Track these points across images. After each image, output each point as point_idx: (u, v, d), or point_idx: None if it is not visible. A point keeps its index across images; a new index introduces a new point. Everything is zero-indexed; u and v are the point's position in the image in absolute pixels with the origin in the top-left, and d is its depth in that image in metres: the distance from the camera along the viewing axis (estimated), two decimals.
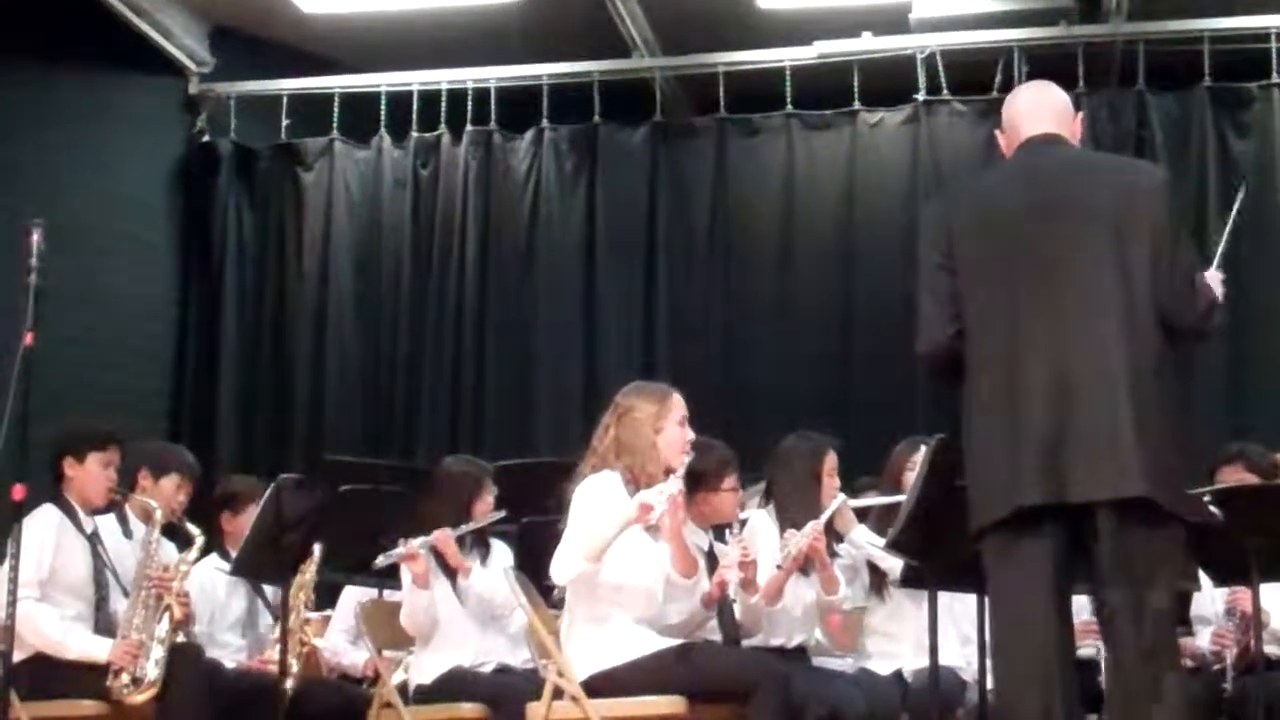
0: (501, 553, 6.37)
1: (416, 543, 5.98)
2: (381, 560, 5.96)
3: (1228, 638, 5.97)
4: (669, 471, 5.27)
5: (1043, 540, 3.99)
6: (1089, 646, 5.51)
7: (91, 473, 6.04)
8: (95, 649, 5.80)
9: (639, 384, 5.62)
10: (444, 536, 6.05)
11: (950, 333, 4.17)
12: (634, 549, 5.21)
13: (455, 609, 6.12)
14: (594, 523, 5.17)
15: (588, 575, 5.17)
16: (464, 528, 6.15)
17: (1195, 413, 8.41)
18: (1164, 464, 3.97)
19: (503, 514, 6.25)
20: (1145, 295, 4.03)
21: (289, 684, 6.07)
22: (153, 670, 5.76)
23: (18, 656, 5.55)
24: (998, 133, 4.49)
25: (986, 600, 4.92)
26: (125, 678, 5.74)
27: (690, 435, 5.39)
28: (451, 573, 6.13)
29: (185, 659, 5.85)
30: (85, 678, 5.76)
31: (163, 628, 5.86)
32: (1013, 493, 3.98)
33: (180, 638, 5.93)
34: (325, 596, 6.94)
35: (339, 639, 6.87)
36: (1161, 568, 3.98)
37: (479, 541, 6.30)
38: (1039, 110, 4.38)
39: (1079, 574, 4.08)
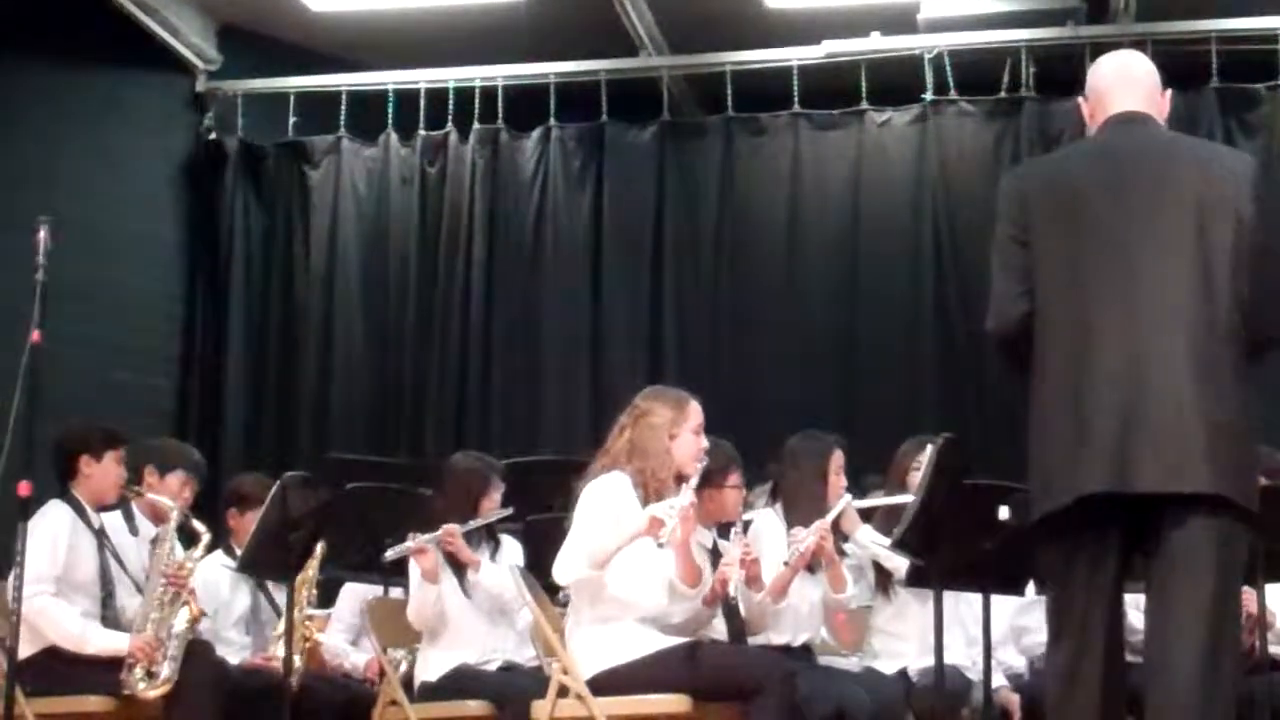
0: (511, 549, 6.38)
1: (426, 537, 5.99)
2: (391, 554, 5.97)
3: None
4: (680, 478, 5.27)
5: (1107, 530, 3.86)
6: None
7: (107, 469, 6.07)
8: (115, 643, 5.82)
9: (658, 388, 5.64)
10: (452, 531, 6.05)
11: (1022, 309, 4.02)
12: (639, 558, 5.20)
13: (462, 605, 6.12)
14: (601, 530, 5.16)
15: (591, 582, 5.17)
16: (471, 524, 6.16)
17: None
18: (1235, 458, 3.85)
19: (509, 511, 6.26)
20: (1224, 285, 3.88)
21: (294, 681, 6.07)
22: (167, 667, 5.77)
23: (25, 652, 5.57)
24: (1080, 100, 4.27)
25: (1004, 596, 4.91)
26: (139, 671, 5.76)
27: (705, 444, 5.39)
28: (459, 569, 6.13)
29: (197, 656, 5.87)
30: (92, 674, 5.77)
31: (178, 624, 5.88)
32: (1077, 481, 3.83)
33: (192, 634, 5.94)
34: (328, 594, 6.95)
35: (338, 639, 6.87)
36: (1232, 566, 3.86)
37: (488, 537, 6.31)
38: (1128, 85, 4.17)
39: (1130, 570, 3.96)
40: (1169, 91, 4.25)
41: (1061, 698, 3.94)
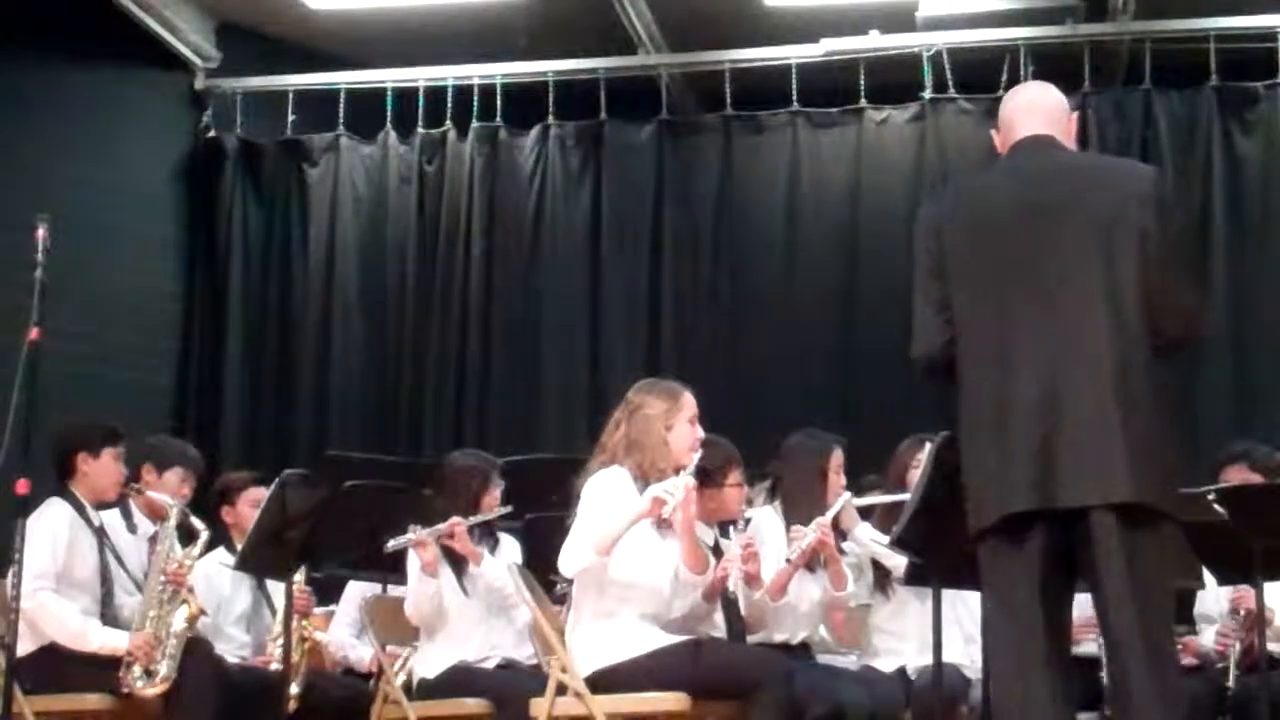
0: (510, 546, 6.38)
1: (426, 531, 5.99)
2: (391, 545, 5.98)
3: (1231, 636, 5.97)
4: (678, 469, 5.27)
5: (1032, 545, 3.97)
6: (1090, 643, 5.52)
7: (107, 467, 6.07)
8: (115, 640, 5.82)
9: (651, 381, 5.62)
10: (459, 521, 6.06)
11: (943, 339, 4.18)
12: (644, 545, 5.22)
13: (461, 602, 6.12)
14: (605, 516, 5.17)
15: (596, 568, 5.17)
16: (471, 520, 6.16)
17: (1199, 412, 8.43)
18: (1154, 466, 3.96)
19: (509, 509, 6.26)
20: (1134, 299, 4.00)
21: (293, 679, 6.07)
22: (166, 665, 5.77)
23: (24, 649, 5.57)
24: (994, 132, 4.44)
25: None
26: (138, 669, 5.76)
27: (700, 434, 5.39)
28: (458, 564, 6.13)
29: (195, 654, 5.87)
30: (91, 672, 5.77)
31: (177, 622, 5.87)
32: (1003, 499, 3.98)
33: (190, 632, 5.94)
34: (329, 592, 6.95)
35: (343, 632, 6.88)
36: (1155, 568, 3.97)
37: (487, 535, 6.31)
38: (1032, 111, 4.34)
39: (1075, 575, 4.07)
40: (1074, 115, 4.43)
41: (1004, 696, 4.04)
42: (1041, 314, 4.03)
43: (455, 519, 6.06)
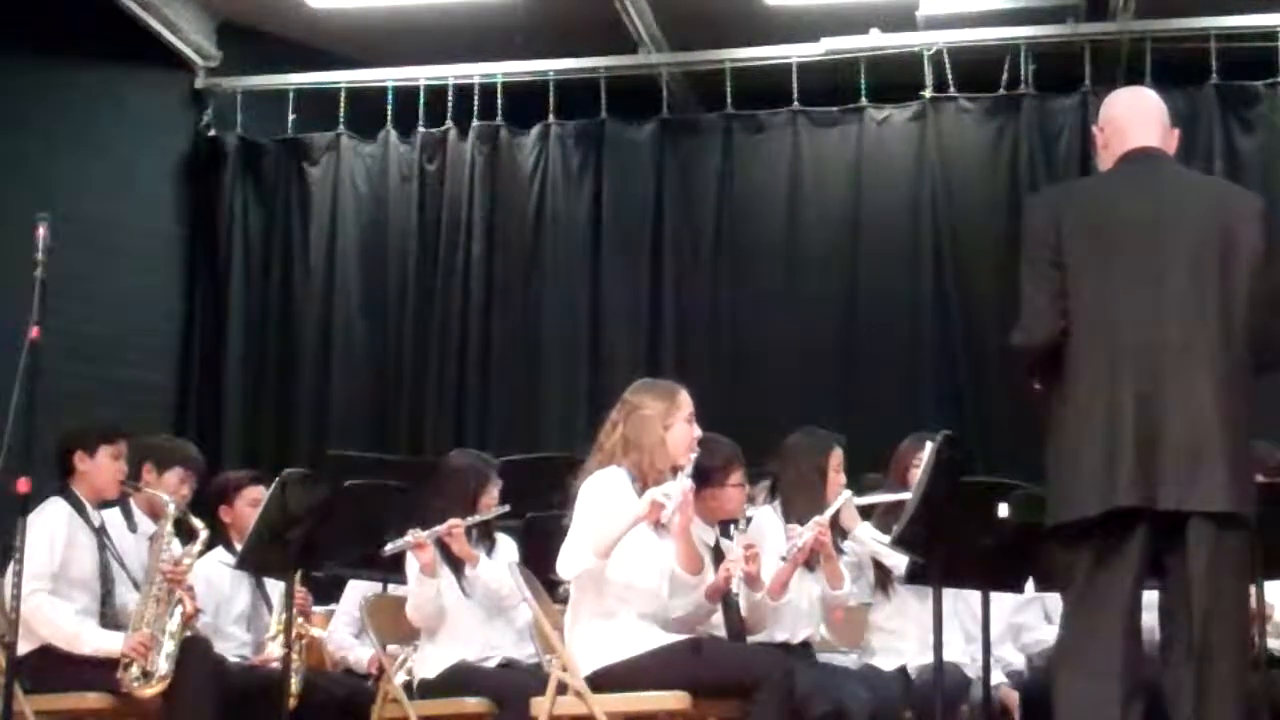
0: (507, 547, 6.37)
1: (425, 533, 5.99)
2: (390, 548, 5.97)
3: None
4: (676, 469, 5.27)
5: (1132, 542, 4.10)
6: None
7: (102, 465, 6.05)
8: (109, 643, 5.81)
9: (647, 381, 5.61)
10: (458, 523, 6.05)
11: (1057, 329, 4.25)
12: (640, 547, 5.21)
13: (460, 602, 6.12)
14: (602, 518, 5.17)
15: (595, 571, 5.17)
16: (470, 520, 6.16)
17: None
18: (1247, 477, 4.16)
19: (506, 508, 6.25)
20: (1241, 314, 4.18)
21: (294, 678, 6.07)
22: (164, 664, 5.76)
23: (24, 649, 5.56)
24: (1095, 129, 4.55)
25: (1003, 594, 4.96)
26: (136, 670, 5.75)
27: (698, 433, 5.39)
28: (457, 565, 6.14)
29: (194, 653, 5.86)
30: (91, 671, 5.76)
31: (174, 622, 5.87)
32: (1107, 493, 4.09)
33: (188, 631, 5.94)
34: (329, 592, 6.95)
35: (343, 632, 6.88)
36: (1241, 577, 4.19)
37: (484, 535, 6.31)
38: (1148, 120, 4.45)
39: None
40: (1177, 130, 4.53)
41: (1088, 693, 4.11)
42: (1154, 320, 4.18)
43: (453, 520, 6.06)
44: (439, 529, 6.03)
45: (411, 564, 6.09)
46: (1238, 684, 4.06)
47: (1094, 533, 4.12)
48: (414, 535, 5.97)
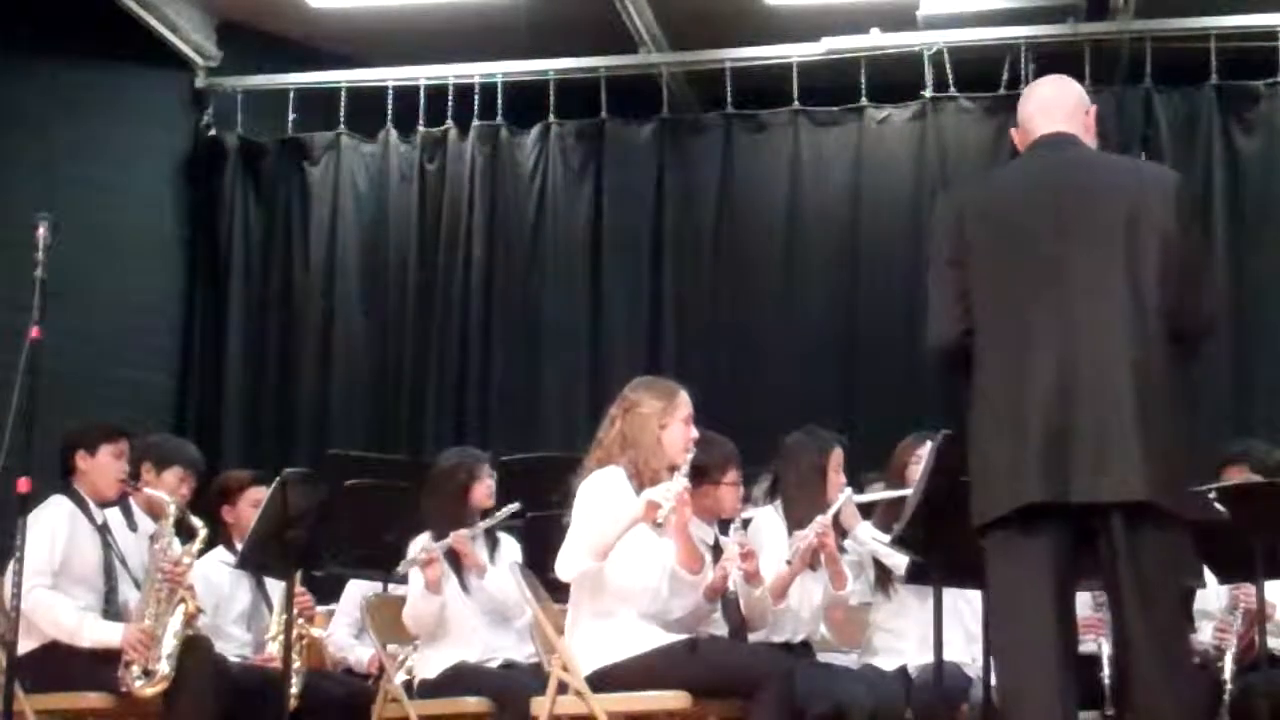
0: (510, 547, 6.37)
1: (436, 546, 5.98)
2: (402, 568, 5.96)
3: (1229, 631, 5.96)
4: (672, 468, 5.26)
5: (1044, 538, 3.99)
6: (1090, 642, 5.52)
7: (103, 464, 6.06)
8: (108, 635, 5.81)
9: (647, 379, 5.60)
10: (461, 538, 6.05)
11: (960, 329, 4.17)
12: (639, 546, 5.21)
13: (463, 606, 6.11)
14: (600, 520, 5.17)
15: (593, 573, 5.17)
16: (480, 525, 6.15)
17: (1200, 411, 8.42)
18: (1169, 466, 3.98)
19: (516, 506, 6.23)
20: (1153, 297, 4.03)
21: (294, 678, 6.07)
22: (165, 664, 5.76)
23: (25, 647, 5.56)
24: (1013, 130, 4.45)
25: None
26: (136, 669, 5.75)
27: (694, 434, 5.38)
28: (458, 565, 6.13)
29: (195, 652, 5.86)
30: (92, 670, 5.76)
31: (176, 621, 5.87)
32: (1016, 490, 3.98)
33: (190, 631, 5.94)
34: (329, 592, 6.95)
35: (343, 632, 6.88)
36: (1166, 568, 4.00)
37: (487, 535, 6.30)
38: (1052, 108, 4.34)
39: (1082, 570, 4.09)
40: (1093, 109, 4.41)
41: (1014, 695, 4.05)
42: (1061, 308, 4.05)
43: (457, 532, 6.04)
44: (446, 541, 6.02)
45: (414, 574, 6.09)
46: (1166, 688, 3.89)
47: (1010, 531, 4.00)
48: (425, 551, 5.96)
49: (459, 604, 6.11)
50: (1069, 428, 3.96)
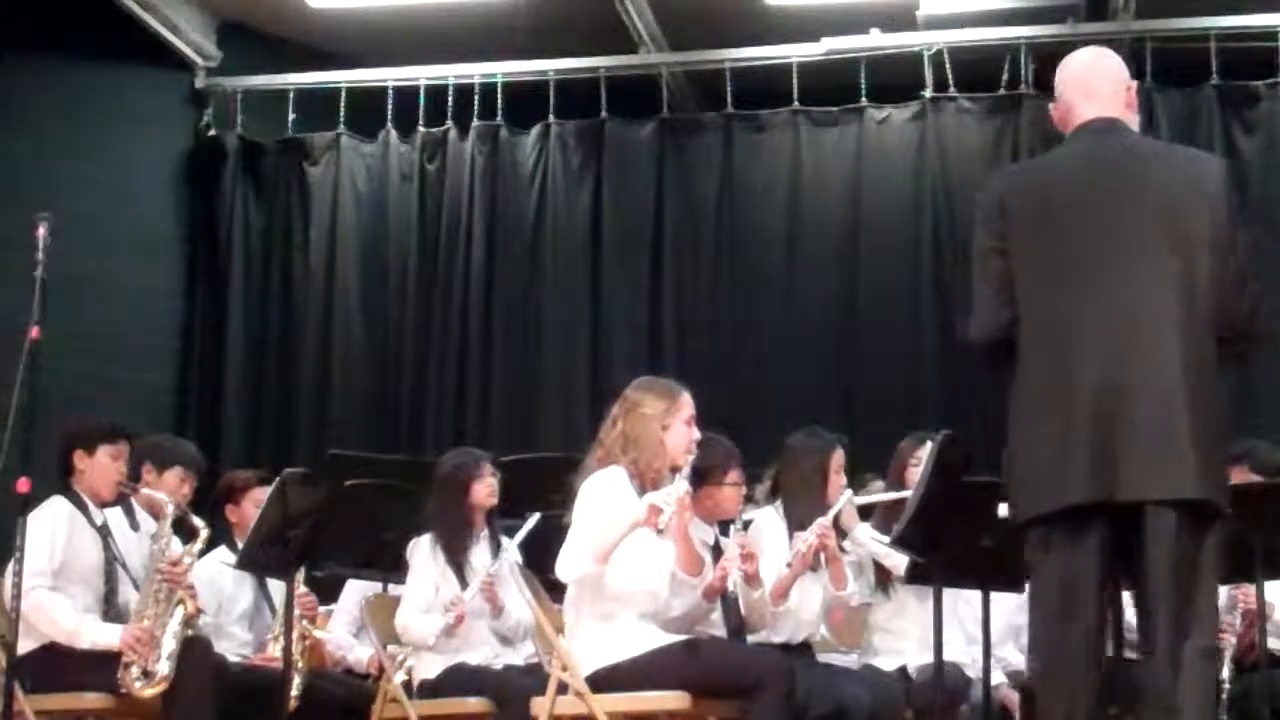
0: (509, 549, 6.36)
1: (467, 595, 5.99)
2: (431, 639, 5.94)
3: (1228, 630, 5.96)
4: (674, 469, 5.26)
5: (1090, 537, 3.91)
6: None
7: (101, 465, 6.04)
8: (107, 636, 5.79)
9: (649, 379, 5.59)
10: (491, 588, 6.06)
11: (1004, 319, 4.08)
12: (640, 548, 5.20)
13: (470, 622, 6.10)
14: (601, 523, 5.16)
15: (593, 576, 5.17)
16: (502, 558, 6.13)
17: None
18: (1214, 460, 3.92)
19: (538, 516, 6.20)
20: (1203, 290, 3.96)
21: (295, 678, 6.07)
22: (164, 665, 5.75)
23: (25, 648, 5.56)
24: (1051, 106, 4.33)
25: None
26: (136, 670, 5.74)
27: (696, 435, 5.38)
28: (459, 565, 6.13)
29: (194, 653, 5.85)
30: (92, 671, 5.75)
31: (175, 622, 5.86)
32: (1062, 489, 3.90)
33: (189, 631, 5.93)
34: (329, 592, 6.95)
35: (342, 632, 6.88)
36: (1209, 568, 3.93)
37: (489, 538, 6.29)
38: (1094, 88, 4.21)
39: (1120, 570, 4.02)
40: (1134, 84, 4.29)
41: (1050, 689, 3.99)
42: (1108, 300, 3.96)
43: (484, 577, 6.04)
44: (475, 588, 6.02)
45: (416, 568, 6.09)
46: (1205, 684, 3.86)
47: (1055, 530, 3.93)
48: (456, 606, 5.96)
49: (469, 622, 6.10)
50: (1118, 423, 3.87)
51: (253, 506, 6.49)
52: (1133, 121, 4.25)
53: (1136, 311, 3.95)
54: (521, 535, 6.14)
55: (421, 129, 9.85)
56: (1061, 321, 3.99)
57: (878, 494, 6.37)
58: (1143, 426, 3.86)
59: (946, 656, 5.48)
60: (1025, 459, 4.03)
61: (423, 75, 9.79)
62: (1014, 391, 4.09)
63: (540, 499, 6.30)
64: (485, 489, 6.26)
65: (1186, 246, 3.96)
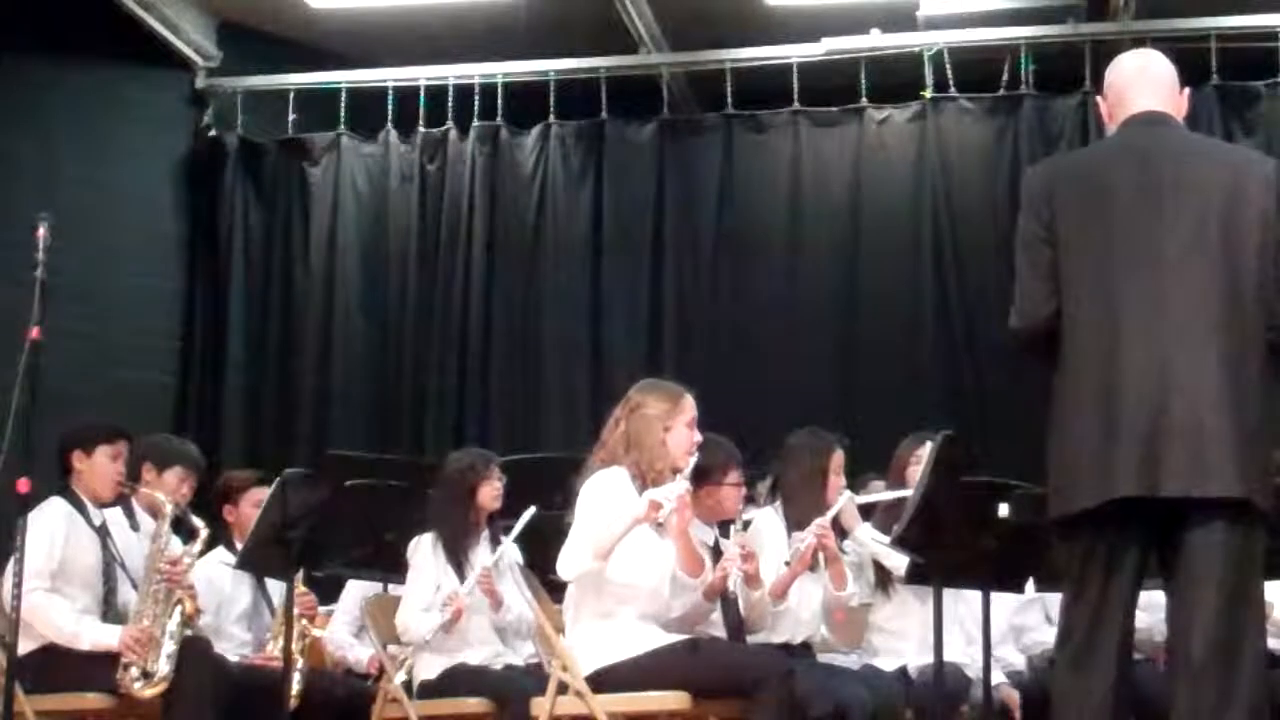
0: (510, 549, 6.35)
1: (463, 591, 5.98)
2: (429, 634, 5.92)
3: None
4: (675, 471, 5.27)
5: (1131, 533, 3.88)
6: None
7: (100, 465, 6.05)
8: (107, 637, 5.80)
9: (652, 381, 5.61)
10: (489, 580, 6.06)
11: (1049, 309, 4.01)
12: (641, 547, 5.21)
13: (470, 620, 6.10)
14: (602, 521, 5.17)
15: (595, 573, 5.17)
16: (500, 551, 6.12)
17: None
18: (1260, 460, 3.87)
19: (533, 510, 6.19)
20: (1251, 286, 3.90)
21: (295, 678, 6.07)
22: (164, 665, 5.75)
23: (25, 648, 5.56)
24: (1099, 99, 4.31)
25: (1004, 594, 4.91)
26: (135, 671, 5.74)
27: (698, 438, 5.38)
28: (459, 565, 6.13)
29: (194, 653, 5.85)
30: (92, 671, 5.75)
31: (174, 622, 5.86)
32: (1105, 483, 3.85)
33: (188, 631, 5.93)
34: (329, 592, 6.95)
35: (342, 632, 6.89)
36: (1252, 568, 3.89)
37: (490, 539, 6.29)
38: (1148, 84, 4.20)
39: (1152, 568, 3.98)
40: (1187, 90, 4.28)
41: (1074, 691, 3.95)
42: (1155, 294, 3.91)
43: (480, 571, 6.04)
44: (473, 583, 6.02)
45: (417, 567, 6.09)
46: (1250, 692, 3.77)
47: (1092, 525, 3.88)
48: (454, 600, 5.95)
49: (467, 621, 6.09)
50: (1163, 420, 3.82)
51: (251, 507, 6.49)
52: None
53: (1183, 309, 3.89)
54: (518, 529, 6.13)
55: (422, 129, 9.84)
56: (1108, 316, 3.94)
57: (878, 494, 6.37)
58: (1186, 425, 3.81)
59: (947, 657, 5.48)
60: (1067, 454, 3.97)
61: (423, 75, 9.78)
62: (1056, 384, 4.03)
63: (540, 499, 6.30)
64: (491, 491, 6.26)
65: (1234, 245, 3.92)
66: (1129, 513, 3.86)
